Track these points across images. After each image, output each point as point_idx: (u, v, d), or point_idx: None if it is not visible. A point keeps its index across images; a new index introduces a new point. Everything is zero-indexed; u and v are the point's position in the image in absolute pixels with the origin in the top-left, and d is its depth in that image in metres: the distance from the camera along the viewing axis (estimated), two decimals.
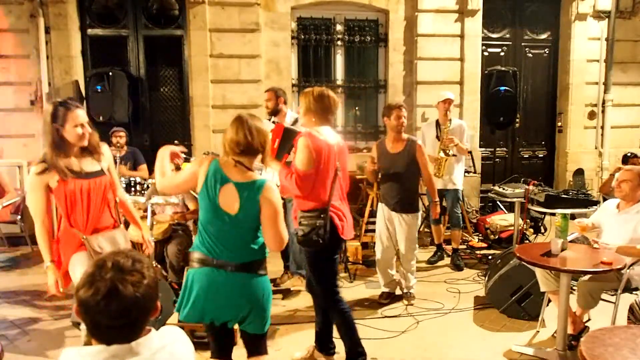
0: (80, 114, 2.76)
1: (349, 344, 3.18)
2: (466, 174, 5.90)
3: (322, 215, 2.93)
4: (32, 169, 2.77)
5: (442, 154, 5.24)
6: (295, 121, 4.78)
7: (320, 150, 2.93)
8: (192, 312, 2.43)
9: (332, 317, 3.22)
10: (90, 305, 1.29)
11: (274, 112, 4.75)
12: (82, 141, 2.78)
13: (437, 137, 5.42)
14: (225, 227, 2.36)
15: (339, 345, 3.33)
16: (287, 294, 4.69)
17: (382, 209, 4.43)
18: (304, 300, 4.50)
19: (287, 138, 4.34)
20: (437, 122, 5.50)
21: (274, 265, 5.13)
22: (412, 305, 4.40)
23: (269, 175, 4.54)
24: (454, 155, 5.32)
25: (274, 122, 4.70)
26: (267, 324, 2.60)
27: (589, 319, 3.69)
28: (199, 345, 3.34)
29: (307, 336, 3.79)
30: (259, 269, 2.47)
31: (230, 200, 2.34)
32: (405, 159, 4.29)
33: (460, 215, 5.56)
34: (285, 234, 2.41)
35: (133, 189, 5.08)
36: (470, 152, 5.83)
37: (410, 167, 4.29)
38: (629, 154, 6.32)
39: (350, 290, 4.73)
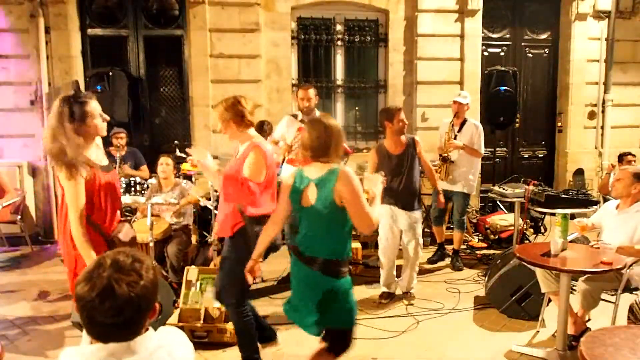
0: (96, 104, 2.69)
1: (248, 350, 3.17)
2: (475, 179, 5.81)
3: (263, 222, 2.89)
4: (70, 178, 2.54)
5: (441, 160, 5.24)
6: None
7: (267, 159, 3.00)
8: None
9: (235, 323, 3.19)
10: (86, 301, 1.31)
11: (308, 110, 4.66)
12: (104, 132, 2.73)
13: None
14: (307, 221, 2.54)
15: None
16: (287, 294, 4.67)
17: (386, 209, 4.37)
18: None
19: None
20: (452, 120, 5.47)
21: (271, 265, 5.14)
22: (412, 305, 4.40)
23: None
24: (451, 161, 5.30)
25: (302, 120, 4.65)
26: (325, 323, 2.58)
27: (589, 319, 3.68)
28: (198, 346, 3.34)
29: (307, 336, 3.77)
30: (334, 268, 2.51)
31: (310, 196, 2.51)
32: (408, 158, 4.37)
33: (464, 219, 5.52)
34: (373, 214, 2.48)
35: (133, 189, 5.08)
36: None
37: (413, 165, 4.40)
38: (624, 153, 6.38)
39: None
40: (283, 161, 4.76)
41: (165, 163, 4.94)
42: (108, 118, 2.77)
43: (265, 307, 4.35)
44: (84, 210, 2.57)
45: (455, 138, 5.33)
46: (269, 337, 3.38)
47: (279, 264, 4.96)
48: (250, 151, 2.96)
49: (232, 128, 3.02)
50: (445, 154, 5.27)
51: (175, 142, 6.11)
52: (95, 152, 2.74)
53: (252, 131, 3.08)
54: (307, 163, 2.59)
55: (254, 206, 2.94)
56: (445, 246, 5.74)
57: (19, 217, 5.94)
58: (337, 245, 2.52)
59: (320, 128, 2.52)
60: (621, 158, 6.38)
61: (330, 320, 2.55)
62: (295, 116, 4.79)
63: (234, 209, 2.99)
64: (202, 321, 3.69)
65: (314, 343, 3.64)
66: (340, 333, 2.59)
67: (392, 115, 4.33)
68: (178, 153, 5.17)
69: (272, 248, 3.03)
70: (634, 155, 6.36)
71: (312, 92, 4.68)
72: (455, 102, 5.39)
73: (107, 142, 5.98)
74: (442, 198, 4.75)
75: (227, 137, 3.07)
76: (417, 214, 4.45)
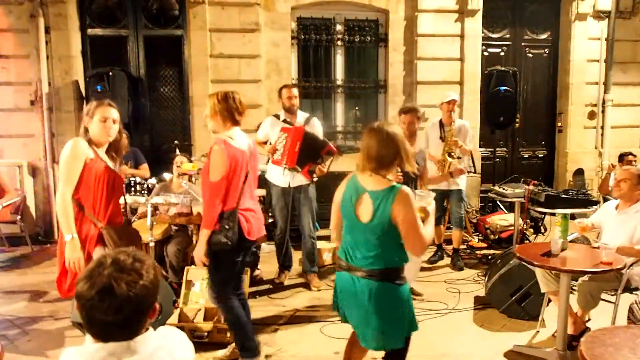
0: (109, 109, 2.91)
1: (243, 338, 3.23)
2: (466, 174, 5.87)
3: (231, 218, 2.97)
4: (74, 139, 2.85)
5: (447, 157, 5.23)
6: (307, 120, 4.79)
7: (235, 159, 2.98)
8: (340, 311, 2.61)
9: (225, 317, 3.28)
10: (86, 299, 1.32)
11: (293, 110, 4.72)
12: (107, 136, 2.92)
13: (441, 137, 5.39)
14: (360, 235, 2.42)
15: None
16: (287, 294, 4.68)
17: None
18: (304, 300, 4.50)
19: (311, 146, 4.44)
20: (441, 122, 5.45)
21: (271, 265, 5.14)
22: (415, 300, 4.39)
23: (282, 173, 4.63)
24: (458, 157, 5.30)
25: (284, 120, 4.70)
26: (391, 341, 2.42)
27: (589, 319, 3.69)
28: (199, 345, 3.34)
29: (307, 336, 3.79)
30: (393, 277, 2.41)
31: (365, 209, 2.38)
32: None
33: (462, 216, 5.54)
34: (427, 238, 2.37)
35: (133, 188, 5.07)
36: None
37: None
38: (624, 153, 6.37)
39: None
40: (267, 162, 4.82)
41: (181, 162, 4.87)
42: (111, 126, 2.93)
43: (266, 307, 4.36)
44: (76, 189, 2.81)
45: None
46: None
47: (275, 263, 4.98)
48: (210, 150, 3.01)
49: (218, 121, 3.04)
50: (451, 151, 5.25)
51: (175, 142, 6.11)
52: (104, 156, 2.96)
53: (234, 130, 3.06)
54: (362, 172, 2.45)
55: (220, 203, 2.97)
56: (444, 246, 5.75)
57: (19, 217, 5.94)
58: (394, 254, 2.40)
59: (387, 138, 2.36)
60: (622, 158, 6.37)
61: (392, 330, 2.41)
62: (277, 116, 4.79)
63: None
64: (202, 321, 3.69)
65: (314, 343, 3.65)
66: (405, 340, 2.47)
67: (399, 115, 4.47)
68: (178, 153, 5.16)
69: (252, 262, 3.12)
70: (634, 156, 6.35)
71: (296, 91, 4.76)
72: (451, 101, 5.36)
73: None
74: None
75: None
76: None
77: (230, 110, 3.02)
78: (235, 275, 3.20)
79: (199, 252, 3.00)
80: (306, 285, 4.82)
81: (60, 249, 2.87)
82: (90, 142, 2.88)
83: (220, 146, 2.95)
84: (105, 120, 2.87)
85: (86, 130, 2.90)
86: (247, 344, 3.21)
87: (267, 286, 4.83)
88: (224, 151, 2.94)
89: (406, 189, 2.36)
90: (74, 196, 2.82)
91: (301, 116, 4.79)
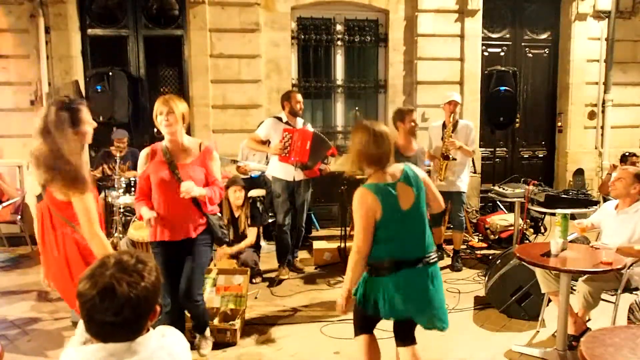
0: (87, 111, 2.65)
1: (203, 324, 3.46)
2: (469, 175, 5.81)
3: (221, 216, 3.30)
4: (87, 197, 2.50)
5: (442, 158, 5.22)
6: (304, 124, 5.03)
7: None
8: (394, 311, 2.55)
9: (202, 313, 3.39)
10: (87, 298, 1.32)
11: (300, 114, 4.96)
12: (90, 139, 2.70)
13: (443, 138, 5.38)
14: (409, 224, 2.52)
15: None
16: (287, 293, 4.68)
17: None
18: (304, 300, 4.50)
19: (320, 145, 4.75)
20: (444, 123, 5.42)
21: (271, 265, 5.15)
22: None
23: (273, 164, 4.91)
24: (454, 159, 5.28)
25: (287, 122, 4.86)
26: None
27: (589, 319, 3.68)
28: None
29: (307, 336, 3.79)
30: (437, 257, 2.64)
31: (407, 196, 2.52)
32: (415, 162, 4.29)
33: (463, 218, 5.52)
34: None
35: (133, 189, 5.08)
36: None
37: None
38: (627, 154, 6.33)
39: None
40: (266, 162, 5.14)
41: None
42: (95, 124, 2.72)
43: (266, 307, 4.36)
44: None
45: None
46: None
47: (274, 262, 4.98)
48: (209, 153, 3.13)
49: (181, 124, 3.04)
50: (447, 152, 5.24)
51: None
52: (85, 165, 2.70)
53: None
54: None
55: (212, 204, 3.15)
56: (445, 246, 5.75)
57: (19, 217, 5.94)
58: (430, 234, 2.63)
59: (387, 136, 2.54)
60: (625, 158, 6.22)
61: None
62: (279, 119, 4.91)
63: (194, 209, 3.09)
64: None
65: (314, 343, 3.65)
66: None
67: (403, 116, 4.55)
68: None
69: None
70: (637, 157, 6.27)
71: (300, 96, 5.01)
72: (452, 102, 5.34)
73: (108, 141, 6.04)
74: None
75: (196, 134, 3.19)
76: None
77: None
78: None
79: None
80: (306, 286, 4.84)
81: (65, 258, 2.63)
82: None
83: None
84: (89, 123, 2.65)
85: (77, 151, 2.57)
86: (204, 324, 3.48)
87: (266, 285, 4.84)
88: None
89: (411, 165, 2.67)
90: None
91: (300, 120, 4.98)
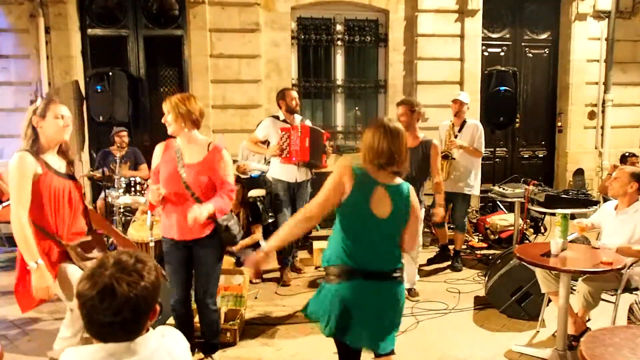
0: (63, 108, 2.69)
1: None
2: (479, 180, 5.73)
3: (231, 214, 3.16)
4: (18, 154, 2.62)
5: (442, 157, 5.21)
6: (302, 120, 4.95)
7: None
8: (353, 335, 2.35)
9: (214, 321, 3.29)
10: (86, 298, 1.32)
11: (297, 111, 4.92)
12: (62, 135, 2.70)
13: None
14: (375, 233, 2.31)
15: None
16: (287, 293, 4.68)
17: None
18: (304, 300, 4.48)
19: (317, 137, 4.69)
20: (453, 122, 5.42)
21: (270, 265, 5.14)
22: (417, 301, 4.40)
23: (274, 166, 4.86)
24: (452, 158, 5.27)
25: (284, 121, 4.82)
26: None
27: (589, 319, 3.68)
28: (197, 346, 3.34)
29: (307, 336, 3.79)
30: (401, 276, 2.42)
31: (382, 204, 2.30)
32: (418, 156, 4.23)
33: (465, 220, 5.50)
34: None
35: (133, 189, 5.08)
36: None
37: (421, 165, 4.27)
38: (627, 154, 6.32)
39: None
40: (267, 162, 5.12)
41: None
42: (69, 123, 2.71)
43: (266, 307, 4.35)
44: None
45: (455, 138, 5.31)
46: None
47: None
48: (218, 153, 3.01)
49: (180, 124, 2.97)
50: (447, 152, 5.23)
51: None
52: (56, 160, 2.74)
53: (196, 132, 3.06)
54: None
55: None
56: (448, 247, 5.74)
57: None
58: (399, 251, 2.43)
59: (401, 135, 2.35)
60: (624, 159, 6.22)
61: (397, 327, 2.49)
62: (276, 117, 4.88)
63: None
64: None
65: (314, 343, 3.65)
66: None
67: (398, 108, 4.40)
68: None
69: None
70: (637, 157, 6.28)
71: (296, 93, 4.96)
72: (456, 100, 5.34)
73: (108, 141, 6.05)
74: (441, 212, 4.42)
75: (186, 132, 3.02)
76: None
77: (190, 112, 3.01)
78: None
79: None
80: (306, 286, 4.84)
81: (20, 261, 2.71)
82: (37, 152, 2.63)
83: (222, 149, 3.06)
84: (62, 117, 2.66)
85: (34, 136, 2.66)
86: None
87: (266, 285, 4.83)
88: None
89: (411, 187, 2.43)
90: (29, 217, 2.57)
91: (298, 117, 4.94)
